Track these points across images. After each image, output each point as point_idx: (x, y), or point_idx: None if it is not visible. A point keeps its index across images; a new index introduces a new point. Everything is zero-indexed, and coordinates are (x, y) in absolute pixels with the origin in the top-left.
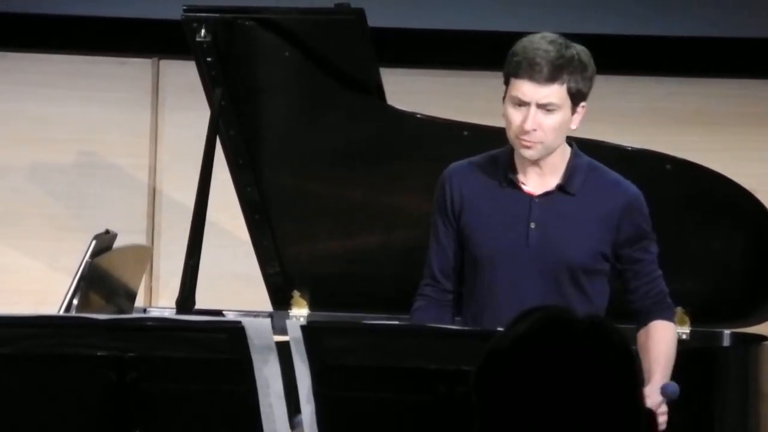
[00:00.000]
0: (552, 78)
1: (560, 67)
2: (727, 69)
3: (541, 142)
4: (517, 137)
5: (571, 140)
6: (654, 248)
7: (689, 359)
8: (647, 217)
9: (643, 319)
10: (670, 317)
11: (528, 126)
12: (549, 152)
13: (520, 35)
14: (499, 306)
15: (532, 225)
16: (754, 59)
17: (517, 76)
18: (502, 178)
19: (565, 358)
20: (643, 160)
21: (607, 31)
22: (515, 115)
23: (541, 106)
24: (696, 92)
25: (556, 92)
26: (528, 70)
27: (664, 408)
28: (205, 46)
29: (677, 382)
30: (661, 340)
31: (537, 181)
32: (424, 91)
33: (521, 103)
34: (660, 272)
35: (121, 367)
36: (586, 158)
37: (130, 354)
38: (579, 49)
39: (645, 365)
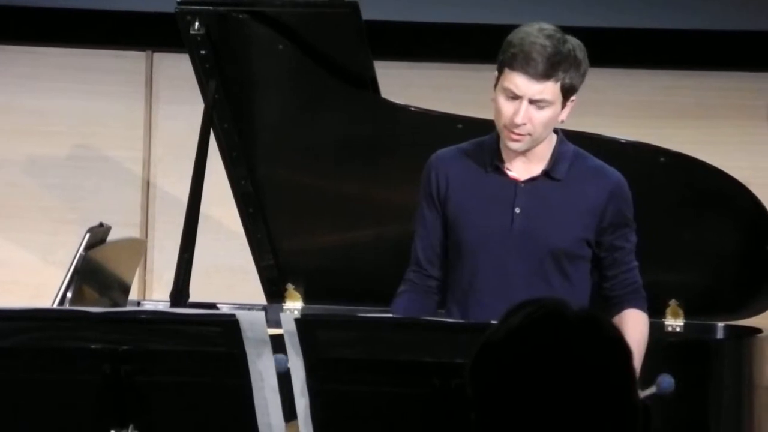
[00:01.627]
0: (547, 75)
1: (556, 64)
2: (722, 62)
3: (530, 135)
4: (506, 128)
5: (558, 129)
6: (633, 238)
7: (683, 352)
8: (630, 205)
9: (616, 307)
10: (643, 307)
11: (519, 120)
12: (535, 145)
13: (515, 28)
14: (483, 290)
15: (517, 210)
16: (749, 52)
17: (511, 68)
18: (488, 164)
19: (558, 351)
20: (637, 153)
21: (602, 24)
22: (506, 107)
23: (534, 102)
24: (690, 85)
25: (550, 89)
26: (523, 64)
27: None
28: (198, 38)
29: (671, 375)
30: (635, 329)
31: (522, 167)
32: (418, 84)
33: (514, 96)
34: (636, 263)
35: (115, 360)
36: (571, 146)
37: (124, 347)
38: (575, 44)
39: None
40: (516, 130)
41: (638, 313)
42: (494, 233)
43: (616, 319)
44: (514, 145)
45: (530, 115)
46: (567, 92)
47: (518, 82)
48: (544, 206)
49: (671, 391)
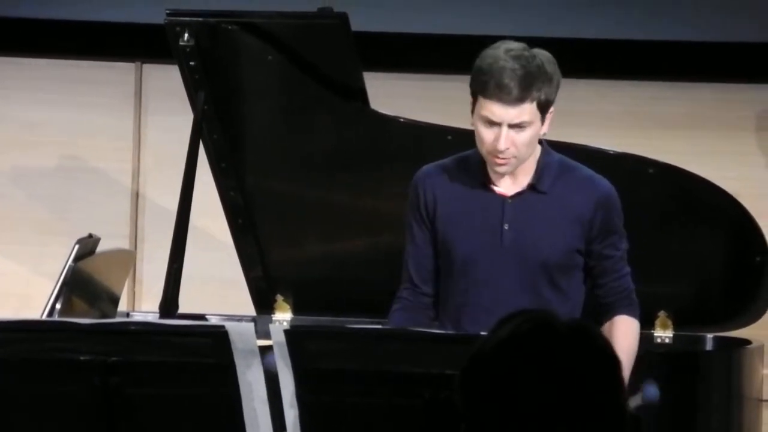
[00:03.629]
0: (522, 98)
1: (529, 86)
2: (710, 73)
3: (515, 157)
4: (490, 154)
5: (543, 140)
6: (623, 245)
7: (672, 363)
8: (619, 213)
9: (608, 314)
10: (633, 313)
11: (501, 146)
12: (521, 163)
13: (502, 39)
14: (475, 307)
15: (506, 226)
16: (737, 63)
17: (485, 96)
18: (474, 181)
19: (548, 362)
20: (625, 164)
21: (590, 35)
22: (487, 134)
23: (513, 126)
24: (678, 96)
25: (527, 111)
26: (497, 91)
27: None
28: (188, 50)
29: (661, 387)
30: (625, 335)
31: (509, 182)
32: (407, 95)
33: (492, 123)
34: (628, 269)
35: (105, 372)
36: (556, 156)
37: (114, 358)
38: (543, 59)
39: None
40: (500, 155)
41: (628, 320)
42: (484, 250)
43: (607, 326)
44: (501, 169)
45: (512, 138)
46: (544, 108)
47: (494, 109)
48: (533, 220)
49: (657, 400)
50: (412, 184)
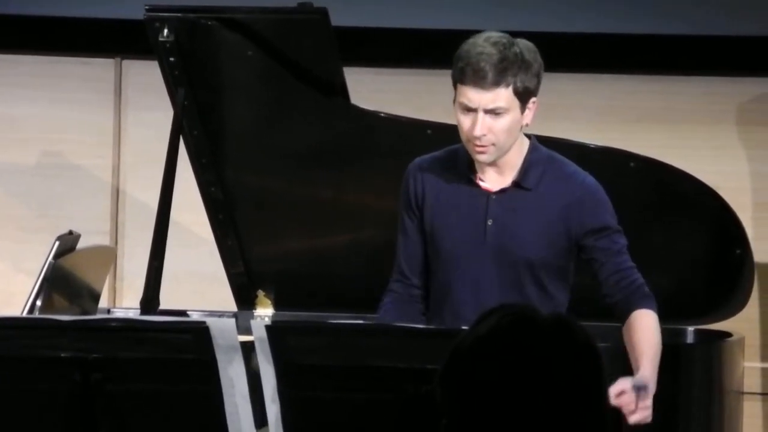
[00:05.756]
0: (496, 82)
1: (504, 70)
2: (691, 67)
3: (493, 144)
4: (469, 142)
5: (532, 135)
6: (620, 239)
7: None
8: (608, 208)
9: (623, 312)
10: (649, 306)
11: (477, 132)
12: (503, 153)
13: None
14: (457, 302)
15: (490, 222)
16: (718, 57)
17: (462, 82)
18: (462, 175)
19: (529, 356)
20: (606, 158)
21: (571, 29)
22: (465, 121)
23: (489, 111)
24: (659, 89)
25: (502, 96)
26: (472, 76)
27: (648, 403)
28: (167, 45)
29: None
30: (642, 328)
31: (495, 178)
32: (387, 90)
33: (469, 109)
34: (632, 264)
35: (86, 368)
36: (545, 151)
37: (95, 355)
38: (522, 47)
39: (631, 356)
40: (478, 142)
41: (643, 313)
42: (468, 246)
43: (625, 326)
44: (481, 157)
45: (488, 125)
46: (522, 96)
47: (470, 94)
48: (516, 217)
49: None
50: (404, 175)
